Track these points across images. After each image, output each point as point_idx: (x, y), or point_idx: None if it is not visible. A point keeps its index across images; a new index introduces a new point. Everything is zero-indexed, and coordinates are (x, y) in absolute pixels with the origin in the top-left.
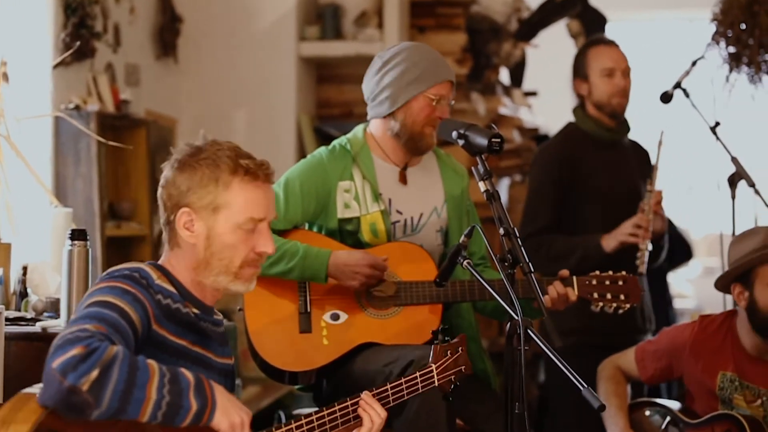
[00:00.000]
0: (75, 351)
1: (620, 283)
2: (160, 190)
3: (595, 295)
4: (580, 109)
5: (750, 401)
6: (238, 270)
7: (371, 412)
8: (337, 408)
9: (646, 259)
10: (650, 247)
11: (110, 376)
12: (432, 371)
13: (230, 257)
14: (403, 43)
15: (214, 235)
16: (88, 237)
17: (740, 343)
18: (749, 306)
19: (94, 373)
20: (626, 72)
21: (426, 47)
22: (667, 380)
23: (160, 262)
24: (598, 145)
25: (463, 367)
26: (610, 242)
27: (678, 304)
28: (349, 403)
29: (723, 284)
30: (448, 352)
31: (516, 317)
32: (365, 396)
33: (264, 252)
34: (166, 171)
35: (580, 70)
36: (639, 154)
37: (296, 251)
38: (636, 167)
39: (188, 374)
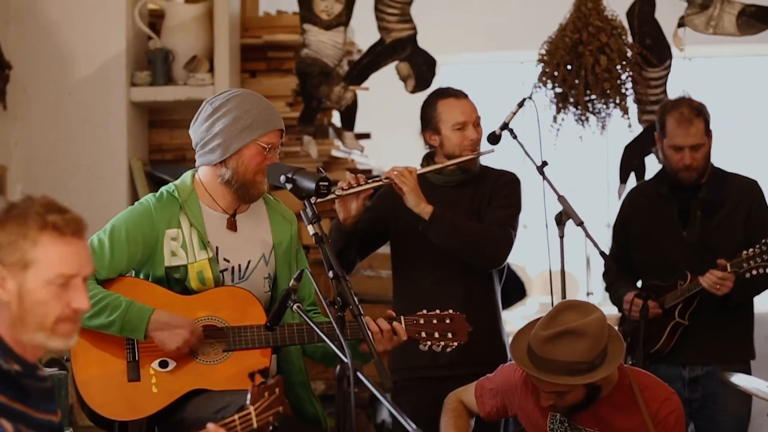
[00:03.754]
0: None
1: (447, 321)
2: None
3: (423, 334)
4: (430, 158)
5: None
6: (54, 326)
7: None
8: None
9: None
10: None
11: None
12: (250, 413)
13: (43, 314)
14: (232, 90)
15: (25, 292)
16: None
17: None
18: None
19: None
20: (477, 123)
21: (255, 95)
22: (504, 417)
23: None
24: (440, 189)
25: (280, 408)
26: None
27: None
28: None
29: None
30: (266, 393)
31: (345, 360)
32: None
33: (79, 308)
34: None
35: (430, 123)
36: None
37: (118, 304)
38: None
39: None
